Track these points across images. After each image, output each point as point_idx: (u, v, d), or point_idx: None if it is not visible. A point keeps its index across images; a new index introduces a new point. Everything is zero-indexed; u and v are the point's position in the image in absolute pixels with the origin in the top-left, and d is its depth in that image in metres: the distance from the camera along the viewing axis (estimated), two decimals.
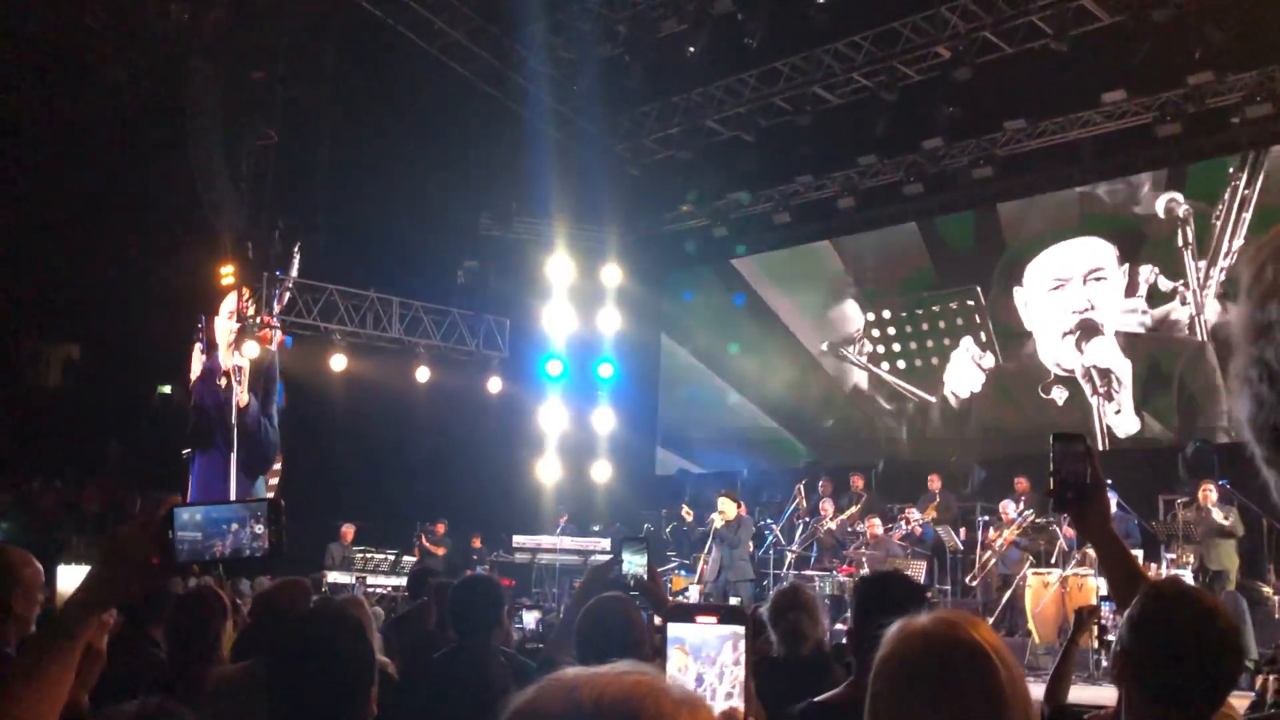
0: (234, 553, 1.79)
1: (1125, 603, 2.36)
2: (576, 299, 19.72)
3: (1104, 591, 11.24)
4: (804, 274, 18.78)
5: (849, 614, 3.84)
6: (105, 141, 17.38)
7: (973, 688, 1.63)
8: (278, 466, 16.66)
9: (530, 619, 6.12)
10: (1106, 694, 8.35)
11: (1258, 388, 0.98)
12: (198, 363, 16.47)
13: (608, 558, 4.41)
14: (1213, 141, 14.70)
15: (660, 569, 15.42)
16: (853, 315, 18.16)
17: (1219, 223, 14.57)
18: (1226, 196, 14.54)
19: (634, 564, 3.72)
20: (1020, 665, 1.76)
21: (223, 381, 16.31)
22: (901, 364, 17.58)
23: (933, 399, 17.17)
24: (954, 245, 17.20)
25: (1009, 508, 13.21)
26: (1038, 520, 13.06)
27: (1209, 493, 11.85)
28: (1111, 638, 4.49)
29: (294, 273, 16.59)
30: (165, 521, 1.77)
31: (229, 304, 16.70)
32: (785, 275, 18.99)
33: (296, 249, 16.61)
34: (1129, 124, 15.15)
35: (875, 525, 13.80)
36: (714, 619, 1.42)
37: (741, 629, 1.40)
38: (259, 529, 1.79)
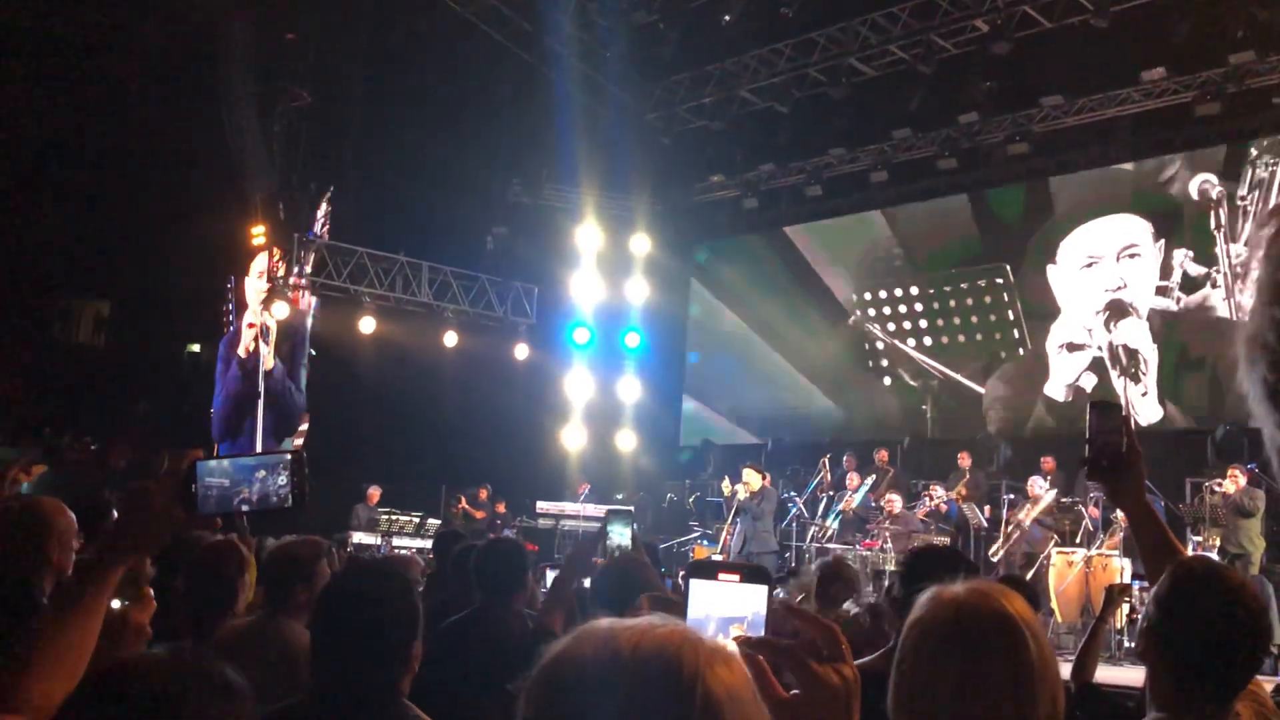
0: (260, 500, 1.80)
1: (1155, 575, 2.34)
2: (605, 267, 19.69)
3: (1129, 573, 11.21)
4: (838, 247, 18.66)
5: (891, 584, 3.85)
6: (139, 100, 17.44)
7: (1000, 658, 1.62)
8: (304, 428, 16.77)
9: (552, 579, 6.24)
10: (1129, 674, 8.32)
11: (1276, 351, 0.96)
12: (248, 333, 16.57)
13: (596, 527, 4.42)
14: (1253, 122, 14.50)
15: (684, 538, 15.49)
16: (879, 290, 18.07)
17: (1248, 205, 14.41)
18: (1251, 177, 14.40)
19: (620, 535, 3.73)
20: (1048, 642, 1.74)
21: (249, 345, 16.44)
22: (928, 340, 17.49)
23: (960, 377, 17.09)
24: (1003, 218, 17.01)
25: (1037, 484, 13.13)
26: (1064, 500, 13.00)
27: (1236, 476, 11.75)
28: (1140, 617, 4.49)
29: (319, 230, 16.62)
30: (188, 474, 1.79)
31: (258, 264, 16.78)
32: (819, 247, 18.87)
33: (321, 210, 16.64)
34: (1168, 103, 14.94)
35: (894, 503, 13.76)
36: (737, 578, 1.40)
37: (765, 589, 1.36)
38: (283, 479, 1.80)
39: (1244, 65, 13.94)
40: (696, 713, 1.02)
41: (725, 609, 1.37)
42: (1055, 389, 16.03)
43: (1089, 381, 15.74)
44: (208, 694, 1.55)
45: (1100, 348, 15.65)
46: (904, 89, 16.46)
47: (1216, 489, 11.85)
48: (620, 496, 17.40)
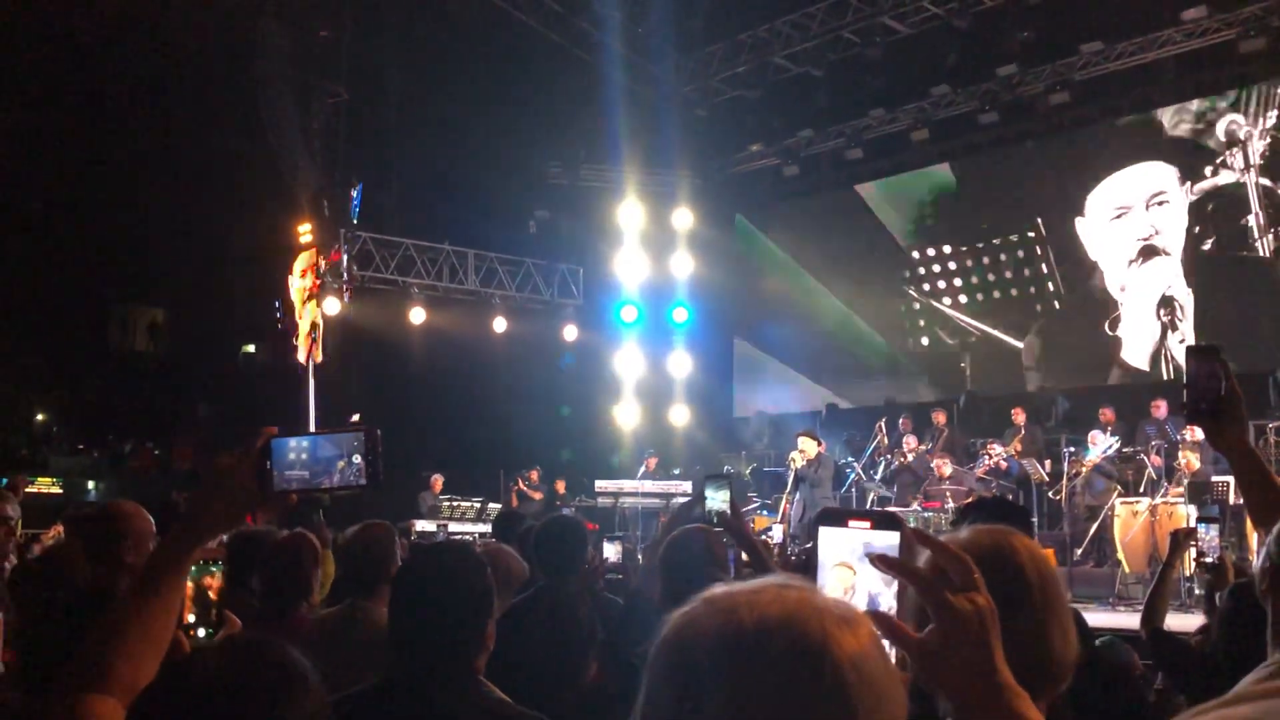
0: (336, 479, 1.83)
1: (1264, 519, 2.31)
2: (648, 244, 19.67)
3: (1194, 520, 11.08)
4: (884, 207, 18.51)
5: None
6: (181, 106, 17.65)
7: (1000, 596, 1.62)
8: (355, 417, 16.95)
9: (611, 551, 6.28)
10: (1198, 621, 8.22)
11: None
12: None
13: (689, 498, 4.43)
14: None
15: (744, 509, 15.49)
16: (913, 251, 17.96)
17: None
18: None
19: (716, 500, 3.74)
20: (1059, 583, 1.73)
21: (297, 341, 16.62)
22: (964, 299, 17.38)
23: (1002, 335, 16.96)
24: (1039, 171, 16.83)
25: (1098, 437, 13.00)
26: (1125, 449, 12.87)
27: None
28: (1210, 560, 4.45)
29: (354, 222, 16.71)
30: (263, 452, 1.82)
31: (301, 262, 16.95)
32: (864, 209, 18.73)
33: (355, 200, 16.74)
34: (1211, 41, 14.65)
35: (944, 466, 13.70)
36: (868, 524, 1.38)
37: (897, 535, 1.33)
38: (357, 459, 1.83)
39: None
40: (825, 684, 1.01)
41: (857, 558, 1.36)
42: (1096, 341, 15.87)
43: (1125, 328, 15.58)
44: (279, 681, 1.59)
45: (1139, 297, 15.49)
46: (940, 45, 16.26)
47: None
48: (677, 471, 17.40)
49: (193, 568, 2.09)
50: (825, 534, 1.39)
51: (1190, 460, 11.79)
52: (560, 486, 16.89)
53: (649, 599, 3.86)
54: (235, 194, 17.93)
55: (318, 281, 16.63)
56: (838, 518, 1.38)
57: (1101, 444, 12.93)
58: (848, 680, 1.01)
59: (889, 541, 1.34)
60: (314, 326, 16.69)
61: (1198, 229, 15.01)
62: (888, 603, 1.33)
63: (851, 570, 1.33)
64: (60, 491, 19.03)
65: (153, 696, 1.60)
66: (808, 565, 1.41)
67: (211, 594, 2.37)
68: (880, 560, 1.27)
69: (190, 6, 16.67)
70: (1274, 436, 11.84)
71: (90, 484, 19.87)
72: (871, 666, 1.04)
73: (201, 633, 2.34)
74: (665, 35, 17.72)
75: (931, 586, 1.24)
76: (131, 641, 1.65)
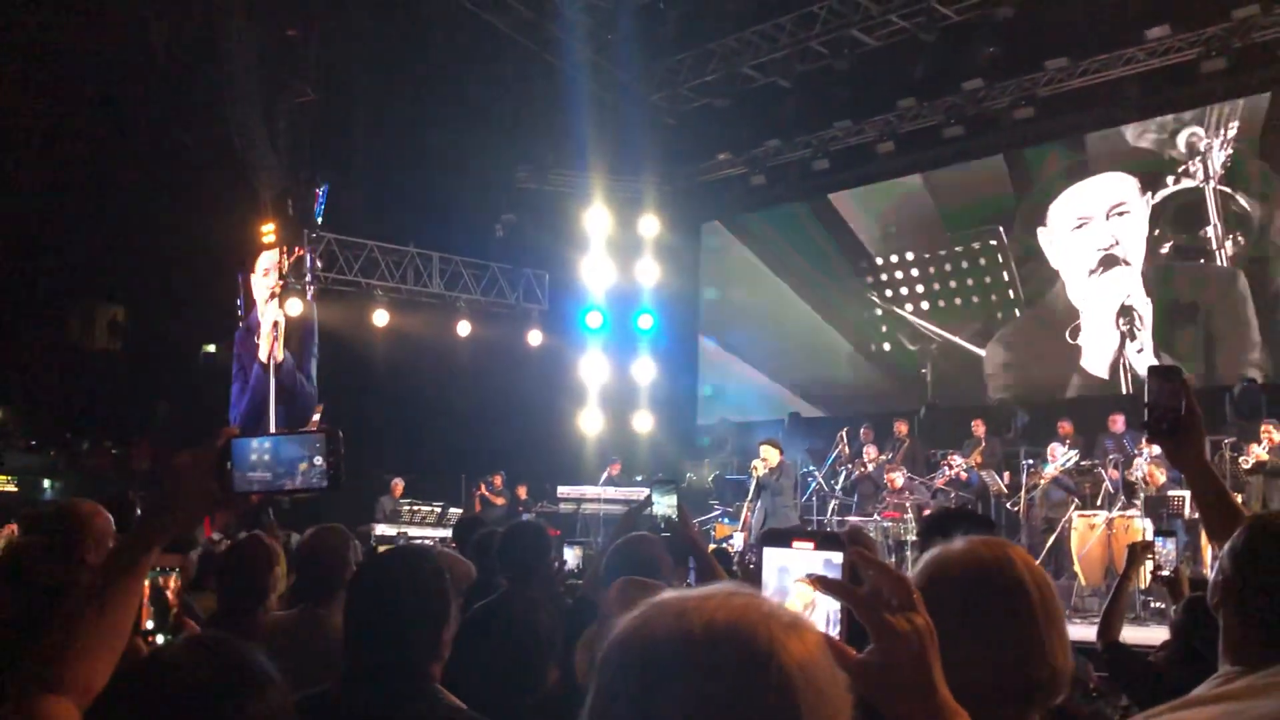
0: (296, 480, 1.81)
1: (1220, 535, 2.36)
2: (614, 250, 19.68)
3: (1151, 533, 11.19)
4: (849, 217, 18.60)
5: (907, 551, 3.86)
6: (145, 103, 17.50)
7: (1001, 608, 1.64)
8: (316, 418, 16.85)
9: (572, 556, 6.27)
10: (1155, 634, 8.33)
11: None
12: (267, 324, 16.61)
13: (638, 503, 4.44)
14: (1258, 77, 14.40)
15: (703, 517, 15.52)
16: (875, 258, 18.09)
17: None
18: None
19: (664, 505, 3.74)
20: (1057, 595, 1.76)
21: (259, 339, 16.52)
22: (925, 305, 17.52)
23: (964, 342, 17.11)
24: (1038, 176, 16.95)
25: (1057, 450, 13.12)
26: (1083, 463, 12.99)
27: (1272, 432, 11.61)
28: (1166, 573, 4.51)
29: (319, 222, 16.62)
30: (223, 452, 1.80)
31: (264, 261, 16.85)
32: (828, 220, 18.81)
33: (320, 200, 16.65)
34: (1173, 61, 14.84)
35: (896, 478, 13.79)
36: (810, 545, 1.39)
37: (840, 556, 1.35)
38: (319, 460, 1.81)
39: (1248, 19, 13.83)
40: (771, 689, 1.01)
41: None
42: (1057, 352, 16.04)
43: (1087, 338, 15.76)
44: (241, 682, 1.58)
45: (1100, 308, 15.68)
46: (907, 58, 16.38)
47: (1254, 449, 11.66)
48: (640, 478, 17.40)
49: (151, 573, 2.07)
50: (769, 555, 1.39)
51: (1155, 474, 11.91)
52: (522, 491, 16.85)
53: (592, 604, 3.85)
54: (199, 192, 17.78)
55: (281, 281, 16.53)
56: (782, 538, 1.39)
57: (1060, 457, 13.05)
58: (794, 685, 1.01)
59: (832, 562, 1.35)
60: (275, 325, 16.60)
61: (1156, 233, 15.21)
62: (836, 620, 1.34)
63: (807, 584, 1.34)
64: (15, 490, 18.81)
65: (115, 696, 1.58)
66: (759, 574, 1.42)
67: (170, 600, 2.35)
68: (819, 581, 1.28)
69: (156, 2, 16.55)
70: (1229, 452, 11.96)
71: (46, 482, 19.65)
72: (818, 672, 1.04)
73: (160, 639, 2.32)
74: (634, 42, 17.74)
75: (870, 607, 1.25)
76: (87, 642, 1.63)
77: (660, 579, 3.52)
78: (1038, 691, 1.68)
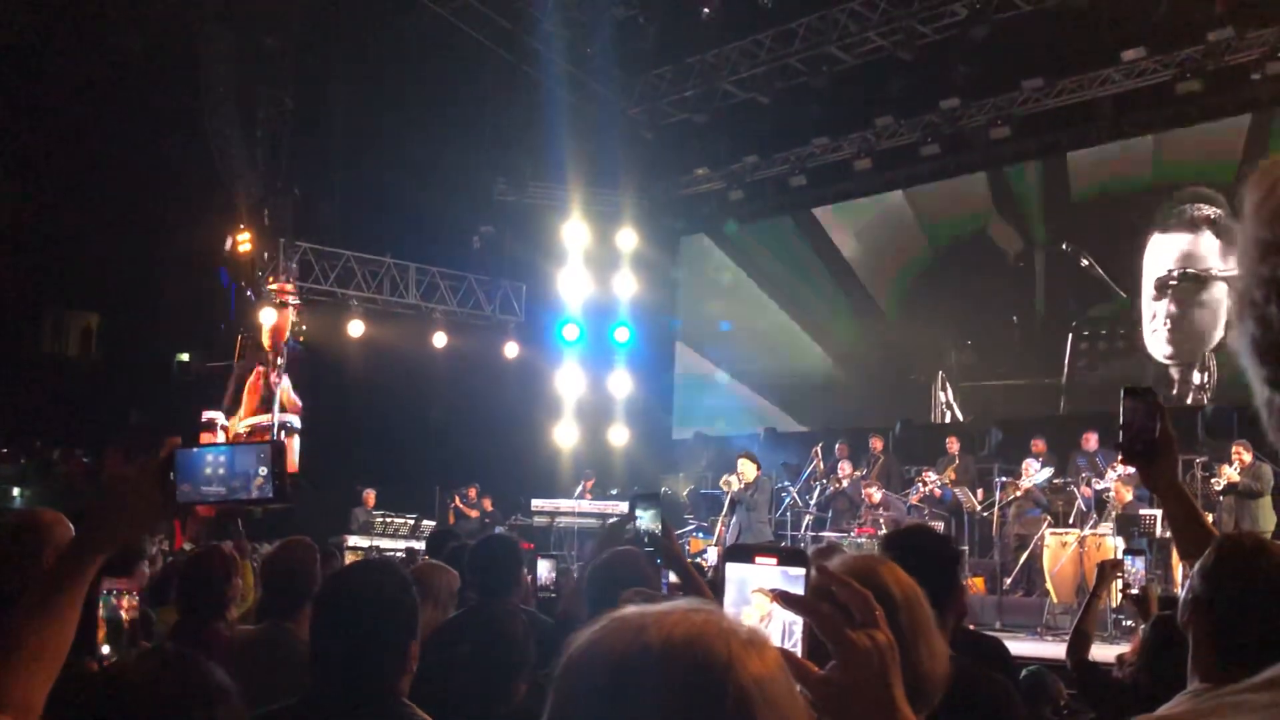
0: (240, 491, 1.78)
1: (1192, 555, 2.38)
2: (592, 263, 19.68)
3: (1122, 551, 11.24)
4: (835, 228, 18.65)
5: None
6: (122, 111, 17.40)
7: None
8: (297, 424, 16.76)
9: (545, 570, 6.20)
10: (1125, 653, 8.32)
11: (1264, 309, 0.95)
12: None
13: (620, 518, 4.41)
14: (1232, 99, 14.52)
15: (678, 532, 15.50)
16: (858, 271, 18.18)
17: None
18: None
19: (647, 519, 3.72)
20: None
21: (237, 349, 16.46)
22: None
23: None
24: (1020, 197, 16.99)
25: (1031, 467, 13.17)
26: (1056, 480, 13.04)
27: (1241, 454, 11.67)
28: (1135, 591, 4.52)
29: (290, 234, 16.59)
30: (167, 462, 1.78)
31: (239, 271, 16.79)
32: (810, 233, 18.85)
33: (290, 212, 16.62)
34: (1148, 82, 14.96)
35: (874, 493, 13.83)
36: (773, 560, 1.38)
37: (803, 571, 1.34)
38: (263, 470, 1.79)
39: (1223, 42, 13.96)
40: (729, 707, 1.00)
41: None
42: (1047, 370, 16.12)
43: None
44: (194, 694, 1.56)
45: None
46: (885, 76, 16.47)
47: (1225, 470, 11.72)
48: (615, 491, 17.35)
49: (103, 596, 2.03)
50: (731, 569, 1.39)
51: (1121, 492, 11.98)
52: (488, 504, 16.74)
53: (575, 621, 3.83)
54: (174, 200, 17.69)
55: (256, 291, 16.46)
56: (744, 554, 1.38)
57: (1035, 472, 13.09)
58: (752, 701, 1.01)
59: (796, 578, 1.34)
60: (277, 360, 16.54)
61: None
62: (797, 634, 1.33)
63: (769, 598, 1.33)
64: None
65: (70, 712, 1.56)
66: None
67: (124, 621, 2.32)
68: (781, 597, 1.28)
69: (134, 8, 16.47)
70: (1201, 472, 12.04)
71: (15, 491, 19.45)
72: (776, 689, 1.04)
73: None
74: (613, 57, 17.76)
75: (832, 623, 1.25)
76: (26, 657, 1.58)
77: (645, 593, 3.51)
78: (909, 696, 1.71)
